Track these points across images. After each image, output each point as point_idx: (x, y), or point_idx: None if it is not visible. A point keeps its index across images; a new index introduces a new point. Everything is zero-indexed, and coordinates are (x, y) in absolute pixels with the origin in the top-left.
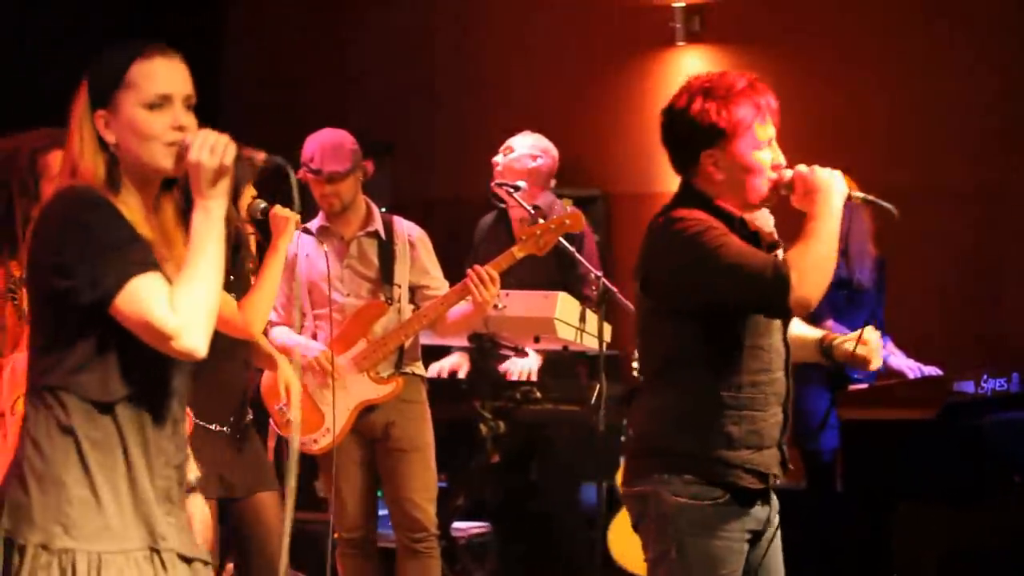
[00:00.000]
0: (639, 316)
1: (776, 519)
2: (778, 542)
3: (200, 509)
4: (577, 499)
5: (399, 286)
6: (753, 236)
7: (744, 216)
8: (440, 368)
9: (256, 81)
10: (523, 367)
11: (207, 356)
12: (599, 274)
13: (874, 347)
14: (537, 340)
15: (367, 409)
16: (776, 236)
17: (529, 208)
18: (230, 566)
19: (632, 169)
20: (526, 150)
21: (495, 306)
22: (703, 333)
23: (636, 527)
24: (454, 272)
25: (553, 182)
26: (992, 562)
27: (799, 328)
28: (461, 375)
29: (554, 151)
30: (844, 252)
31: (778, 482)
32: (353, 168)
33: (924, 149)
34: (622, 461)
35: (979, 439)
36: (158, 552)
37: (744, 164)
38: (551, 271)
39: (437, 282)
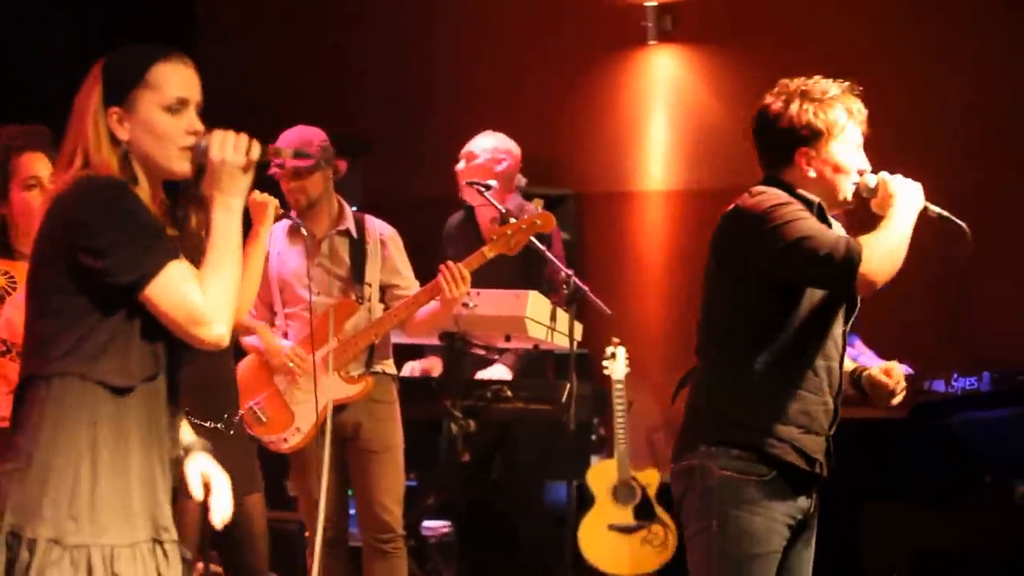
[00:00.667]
0: (705, 290)
1: (815, 506)
2: (811, 543)
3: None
4: (548, 498)
5: (370, 285)
6: (827, 222)
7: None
8: (412, 368)
9: (230, 78)
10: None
11: (201, 352)
12: (570, 273)
13: (897, 379)
14: (508, 339)
15: (337, 408)
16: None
17: (501, 208)
18: (214, 567)
19: (604, 168)
20: (489, 155)
21: (465, 305)
22: (768, 307)
23: (679, 504)
24: (429, 273)
25: (524, 180)
26: (962, 562)
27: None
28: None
29: (516, 150)
30: None
31: (824, 474)
32: (319, 164)
33: (903, 150)
34: (592, 459)
35: (949, 438)
36: (161, 544)
37: (835, 164)
38: (521, 270)
39: (407, 282)
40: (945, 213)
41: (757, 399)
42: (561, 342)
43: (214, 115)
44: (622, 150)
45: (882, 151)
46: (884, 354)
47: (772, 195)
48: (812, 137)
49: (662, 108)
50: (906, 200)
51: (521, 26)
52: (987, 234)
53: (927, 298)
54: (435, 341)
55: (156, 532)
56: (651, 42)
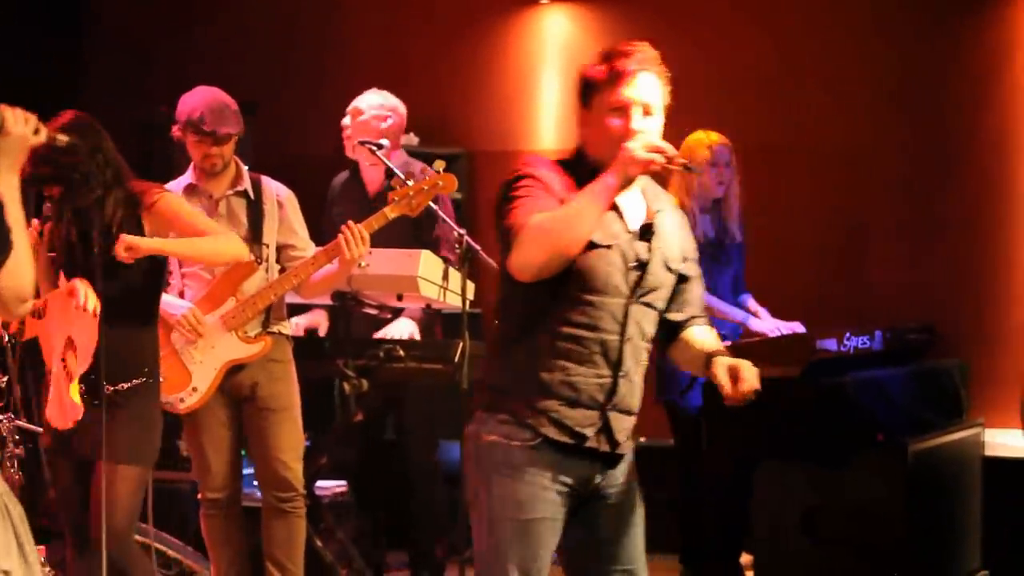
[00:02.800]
0: None
1: (621, 480)
2: (632, 505)
3: None
4: (441, 457)
5: (267, 245)
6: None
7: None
8: (296, 325)
9: (119, 39)
10: (399, 334)
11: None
12: (463, 232)
13: (746, 380)
14: (400, 298)
15: (234, 368)
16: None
17: (393, 167)
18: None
19: (495, 127)
20: (375, 111)
21: (358, 264)
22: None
23: (464, 469)
24: (316, 231)
25: (416, 139)
26: (854, 520)
27: (703, 336)
28: (321, 333)
29: (402, 108)
30: (716, 211)
31: (609, 449)
32: (242, 129)
33: (797, 109)
34: None
35: (842, 397)
36: None
37: (595, 125)
38: (412, 230)
39: (303, 243)
40: (686, 163)
41: (519, 368)
42: (453, 301)
43: (107, 77)
44: (514, 110)
45: (760, 111)
46: (777, 313)
47: (519, 168)
48: (579, 97)
49: (554, 67)
50: (610, 173)
51: None
52: (876, 196)
53: (819, 258)
54: (325, 299)
55: None
56: (543, 1)
